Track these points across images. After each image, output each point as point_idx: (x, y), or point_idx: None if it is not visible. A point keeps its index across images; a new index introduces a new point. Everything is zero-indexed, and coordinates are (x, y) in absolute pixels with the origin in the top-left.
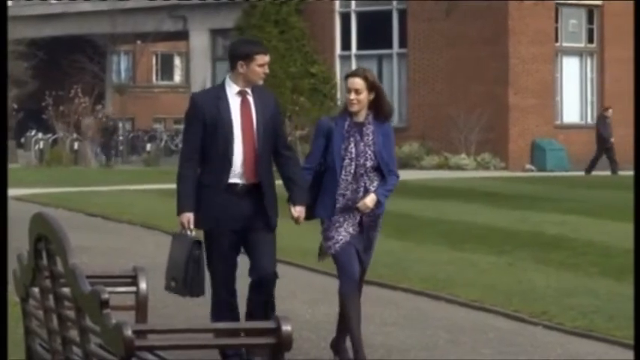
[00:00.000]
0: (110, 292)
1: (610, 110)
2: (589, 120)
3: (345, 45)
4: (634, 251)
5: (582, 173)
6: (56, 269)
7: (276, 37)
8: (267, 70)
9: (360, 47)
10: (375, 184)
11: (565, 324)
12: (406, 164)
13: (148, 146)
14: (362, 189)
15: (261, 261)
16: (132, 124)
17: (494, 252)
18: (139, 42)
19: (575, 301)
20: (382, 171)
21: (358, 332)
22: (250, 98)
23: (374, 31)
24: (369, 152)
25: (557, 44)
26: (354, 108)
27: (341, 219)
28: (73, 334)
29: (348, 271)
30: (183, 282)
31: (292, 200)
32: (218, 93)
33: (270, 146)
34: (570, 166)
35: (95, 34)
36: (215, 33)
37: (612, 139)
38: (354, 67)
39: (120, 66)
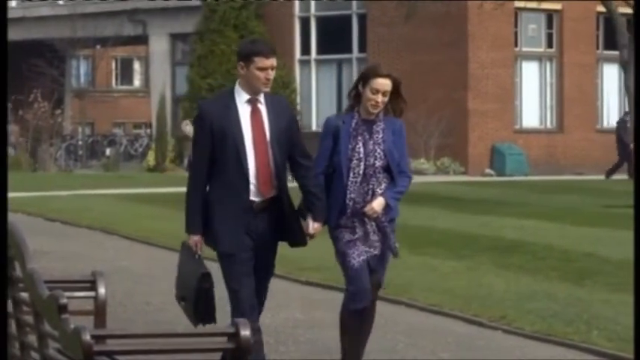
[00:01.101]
0: (69, 297)
1: (630, 115)
2: (548, 124)
3: (305, 49)
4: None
5: (542, 177)
6: (14, 274)
7: (235, 42)
8: (269, 76)
9: (319, 52)
10: (383, 186)
11: (524, 328)
12: None
13: (108, 151)
14: (370, 192)
15: (265, 274)
16: (91, 128)
17: (454, 256)
18: (98, 46)
19: (534, 306)
20: (391, 171)
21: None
22: (262, 107)
23: (333, 35)
24: (379, 151)
25: (517, 49)
26: (377, 110)
27: (351, 229)
28: (32, 339)
29: (361, 292)
30: (193, 310)
31: (312, 215)
32: (227, 101)
33: (285, 157)
34: (529, 170)
35: (55, 38)
36: (175, 37)
37: (632, 145)
38: (313, 72)
39: (79, 70)
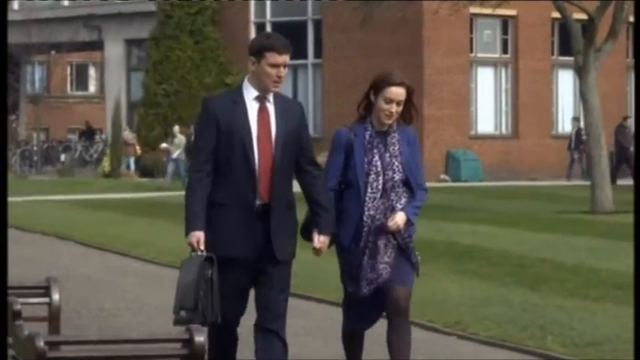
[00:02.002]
0: (23, 303)
1: (629, 120)
2: (503, 130)
3: None
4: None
5: (497, 183)
6: None
7: (191, 48)
8: (281, 73)
9: None
10: (403, 200)
11: (479, 334)
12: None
13: (63, 157)
14: (390, 207)
15: (265, 308)
16: (46, 134)
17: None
18: (53, 52)
19: (489, 311)
20: (410, 185)
21: None
22: (270, 106)
23: (289, 41)
24: (397, 164)
25: (472, 55)
26: (391, 121)
27: (363, 253)
28: None
29: (363, 314)
30: (193, 307)
31: (318, 228)
32: (234, 97)
33: (290, 162)
34: (485, 176)
35: (9, 44)
36: (130, 43)
37: (632, 148)
38: None
39: (34, 76)
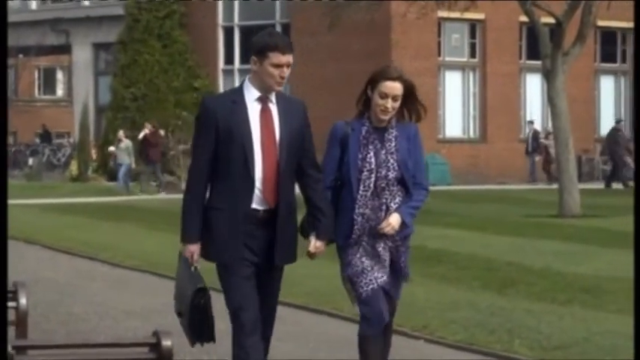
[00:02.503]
0: None
1: (622, 123)
2: (471, 134)
3: (229, 59)
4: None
5: (465, 187)
6: None
7: (159, 51)
8: (284, 74)
9: (243, 61)
10: (398, 200)
11: (446, 337)
12: None
13: (30, 160)
14: (384, 206)
15: (269, 298)
16: (14, 138)
17: None
18: (21, 56)
19: (456, 315)
20: (406, 184)
21: None
22: (273, 106)
23: None
24: (392, 161)
25: (440, 58)
26: (387, 116)
27: (361, 253)
28: None
29: (375, 316)
30: (189, 328)
31: (315, 232)
32: (234, 97)
33: (294, 165)
34: (453, 180)
35: None
36: (98, 47)
37: (629, 148)
38: (237, 82)
39: None
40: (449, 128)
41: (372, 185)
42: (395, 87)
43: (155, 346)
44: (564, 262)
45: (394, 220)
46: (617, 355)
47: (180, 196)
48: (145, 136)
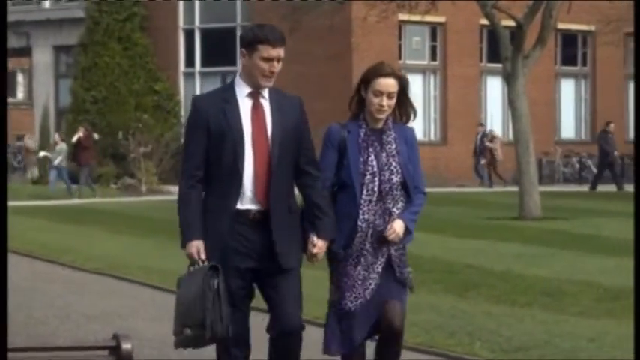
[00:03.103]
0: None
1: (612, 125)
2: (432, 137)
3: (189, 62)
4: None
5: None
6: None
7: (119, 54)
8: (274, 68)
9: (203, 64)
10: (400, 205)
11: (407, 340)
12: None
13: None
14: (388, 212)
15: (282, 311)
16: None
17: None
18: None
19: (417, 318)
20: (408, 188)
21: None
22: (265, 102)
23: (218, 48)
24: (394, 164)
25: (401, 61)
26: (383, 115)
27: (357, 262)
28: None
29: (352, 336)
30: (201, 322)
31: (316, 231)
32: (225, 95)
33: (290, 163)
34: None
35: None
36: (58, 50)
37: (616, 153)
38: (197, 85)
39: None
40: None
41: (376, 189)
42: (389, 83)
43: (115, 349)
44: (525, 264)
45: (398, 226)
46: (577, 357)
47: (141, 199)
48: (78, 139)
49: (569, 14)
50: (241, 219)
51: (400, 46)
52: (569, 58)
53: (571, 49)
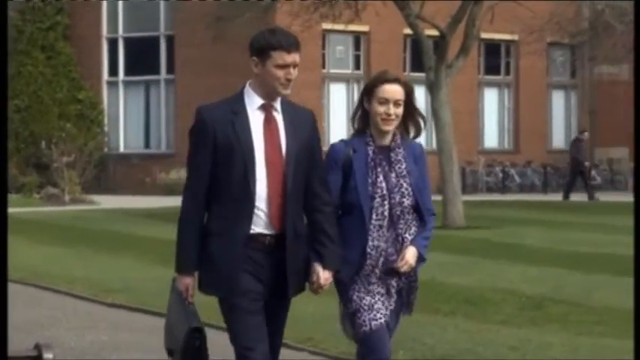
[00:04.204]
0: None
1: (586, 133)
2: None
3: (113, 71)
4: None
5: None
6: None
7: (42, 63)
8: (291, 75)
9: (127, 73)
10: (413, 230)
11: (329, 349)
12: (173, 191)
13: None
14: (400, 238)
15: (272, 344)
16: None
17: None
18: None
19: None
20: (420, 211)
21: None
22: (278, 115)
23: (141, 57)
24: (405, 186)
25: (325, 70)
26: (391, 126)
27: (368, 289)
28: None
29: (379, 353)
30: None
31: (323, 262)
32: (234, 106)
33: (303, 183)
34: None
35: None
36: None
37: (587, 163)
38: (121, 93)
39: None
40: (333, 140)
41: (386, 214)
42: (395, 90)
43: (36, 359)
44: (448, 273)
45: (410, 256)
46: None
47: (64, 208)
48: None
49: (493, 24)
50: (253, 244)
51: (324, 55)
52: (492, 68)
53: (494, 58)
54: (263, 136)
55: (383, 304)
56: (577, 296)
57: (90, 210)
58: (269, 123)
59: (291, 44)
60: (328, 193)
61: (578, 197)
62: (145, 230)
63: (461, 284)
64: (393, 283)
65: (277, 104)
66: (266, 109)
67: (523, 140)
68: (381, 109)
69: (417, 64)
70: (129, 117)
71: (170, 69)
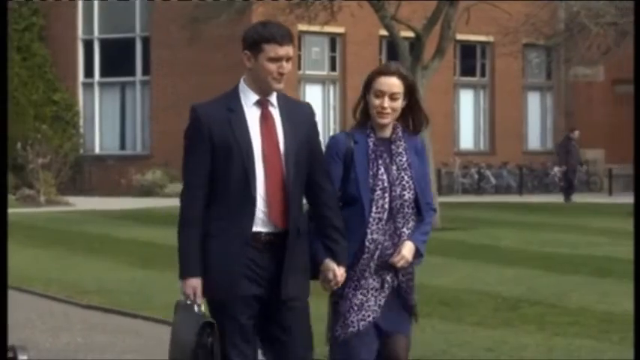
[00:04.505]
0: None
1: (576, 132)
2: None
3: (88, 72)
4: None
5: None
6: None
7: (18, 64)
8: (284, 69)
9: (103, 74)
10: (411, 224)
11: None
12: (149, 192)
13: None
14: (398, 232)
15: (294, 356)
16: None
17: None
18: None
19: (317, 328)
20: (419, 205)
21: None
22: (275, 111)
23: (117, 58)
24: (406, 179)
25: (300, 72)
26: (387, 119)
27: (363, 280)
28: None
29: (358, 356)
30: None
31: (335, 257)
32: (229, 104)
33: (302, 179)
34: None
35: None
36: None
37: (579, 165)
38: (97, 94)
39: None
40: None
41: (386, 206)
42: (392, 83)
43: None
44: (424, 274)
45: (407, 251)
46: None
47: (40, 209)
48: None
49: (468, 25)
50: (253, 243)
51: (300, 57)
52: (468, 69)
53: (470, 60)
54: (260, 133)
55: (374, 301)
56: (552, 297)
57: (65, 211)
58: (266, 119)
59: (284, 36)
60: (333, 185)
61: (555, 198)
62: (121, 232)
63: (437, 286)
64: (388, 278)
65: (273, 99)
66: (262, 104)
67: (499, 142)
68: (377, 102)
69: None
70: (104, 118)
71: (146, 70)
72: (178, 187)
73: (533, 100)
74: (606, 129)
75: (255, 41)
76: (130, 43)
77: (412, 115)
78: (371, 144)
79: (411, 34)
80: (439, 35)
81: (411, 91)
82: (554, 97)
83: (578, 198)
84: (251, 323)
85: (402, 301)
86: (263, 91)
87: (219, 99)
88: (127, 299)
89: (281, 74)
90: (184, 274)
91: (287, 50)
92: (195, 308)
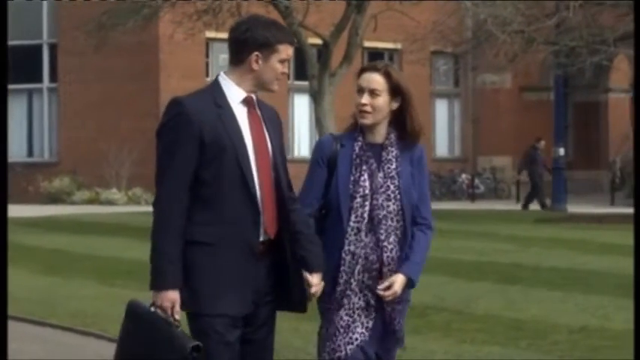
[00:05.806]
0: None
1: (542, 142)
2: None
3: None
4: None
5: None
6: None
7: None
8: (286, 70)
9: (10, 81)
10: (392, 239)
11: None
12: (57, 199)
13: None
14: (379, 244)
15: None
16: None
17: (144, 287)
18: None
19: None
20: (405, 218)
21: None
22: (258, 111)
23: (24, 65)
24: (392, 188)
25: (208, 79)
26: (367, 119)
27: (346, 298)
28: None
29: None
30: None
31: (309, 266)
32: (216, 99)
33: (287, 181)
34: None
35: None
36: None
37: (544, 172)
38: (9, 102)
39: None
40: None
41: (365, 215)
42: (373, 79)
43: None
44: None
45: (399, 286)
46: None
47: None
48: None
49: (376, 32)
50: (249, 251)
51: (207, 64)
52: None
53: None
54: (250, 133)
55: (361, 323)
56: (459, 304)
57: None
58: (254, 118)
59: (292, 36)
60: (293, 192)
61: (463, 205)
62: (29, 239)
63: None
64: (372, 301)
65: (255, 99)
66: (249, 103)
67: None
68: (357, 98)
69: (301, 73)
70: (12, 125)
71: (53, 77)
72: (86, 194)
73: (441, 108)
74: (514, 136)
75: (269, 42)
76: (37, 49)
77: (405, 121)
78: (357, 148)
79: (318, 41)
80: (347, 42)
81: (398, 92)
82: (461, 105)
83: (484, 205)
84: (238, 344)
85: (387, 328)
86: (257, 89)
87: (203, 93)
88: (34, 307)
89: (284, 74)
90: (161, 285)
91: (292, 51)
92: (174, 324)
